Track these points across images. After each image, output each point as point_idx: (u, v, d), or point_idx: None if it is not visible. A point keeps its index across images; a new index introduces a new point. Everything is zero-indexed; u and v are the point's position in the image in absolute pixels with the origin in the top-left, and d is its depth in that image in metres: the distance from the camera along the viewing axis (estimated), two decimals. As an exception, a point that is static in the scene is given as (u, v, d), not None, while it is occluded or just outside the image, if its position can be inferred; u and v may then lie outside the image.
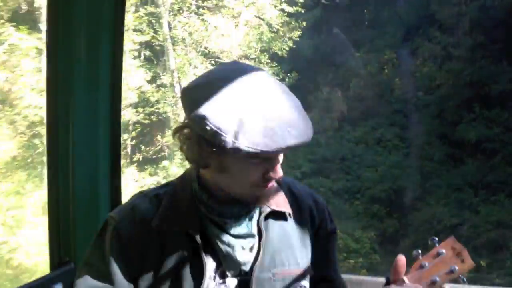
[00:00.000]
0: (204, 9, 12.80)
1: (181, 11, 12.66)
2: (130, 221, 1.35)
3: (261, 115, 1.19)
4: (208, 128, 1.19)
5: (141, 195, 1.42)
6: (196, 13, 12.69)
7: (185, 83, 12.60)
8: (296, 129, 1.22)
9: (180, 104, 13.99)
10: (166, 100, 12.92)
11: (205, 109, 1.20)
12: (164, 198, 1.38)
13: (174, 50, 12.47)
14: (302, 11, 15.06)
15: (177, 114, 12.58)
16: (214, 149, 1.23)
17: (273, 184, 1.32)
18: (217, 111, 1.19)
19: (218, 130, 1.18)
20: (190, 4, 12.71)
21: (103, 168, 2.01)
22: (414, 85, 18.78)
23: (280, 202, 1.42)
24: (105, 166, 2.00)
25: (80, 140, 1.94)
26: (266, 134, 1.18)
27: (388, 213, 14.57)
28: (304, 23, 15.44)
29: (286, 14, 14.49)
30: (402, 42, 19.59)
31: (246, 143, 1.17)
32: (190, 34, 12.40)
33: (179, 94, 12.78)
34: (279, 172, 1.29)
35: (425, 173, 15.19)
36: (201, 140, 1.24)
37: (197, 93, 1.24)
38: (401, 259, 1.25)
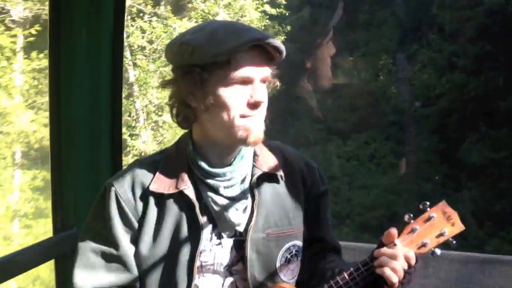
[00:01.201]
0: (168, 12, 11.05)
1: (141, 15, 10.90)
2: (128, 186, 1.41)
3: (230, 27, 1.34)
4: (186, 47, 1.31)
5: (138, 162, 1.49)
6: (159, 17, 10.92)
7: (146, 97, 10.97)
8: (265, 34, 1.35)
9: (141, 123, 12.81)
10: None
11: (184, 38, 1.34)
12: (160, 163, 1.44)
13: (133, 60, 10.73)
14: (287, 14, 13.40)
15: (138, 136, 10.82)
16: (196, 79, 1.32)
17: (261, 116, 1.37)
18: (194, 36, 1.32)
19: (196, 46, 1.30)
20: (153, 6, 10.92)
21: (104, 136, 2.07)
22: (411, 94, 17.39)
23: (272, 165, 1.46)
24: (106, 134, 2.08)
25: (81, 111, 2.02)
26: (236, 37, 1.29)
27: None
28: (289, 27, 13.81)
29: (268, 17, 12.81)
30: (399, 46, 18.16)
31: (219, 47, 1.28)
32: (150, 43, 10.65)
33: (140, 111, 11.17)
34: (262, 95, 1.35)
35: (423, 197, 13.56)
36: (183, 76, 1.34)
37: (178, 36, 1.41)
38: (393, 229, 1.30)
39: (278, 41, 1.33)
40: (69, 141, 2.00)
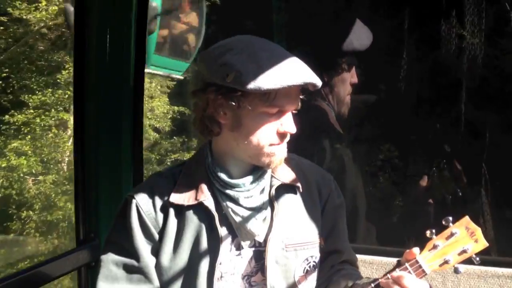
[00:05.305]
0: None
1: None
2: (149, 199, 1.46)
3: (274, 60, 1.34)
4: (229, 70, 1.33)
5: (158, 174, 1.56)
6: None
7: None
8: (306, 71, 1.38)
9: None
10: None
11: (225, 58, 1.35)
12: (180, 175, 1.50)
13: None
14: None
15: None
16: (233, 103, 1.36)
17: (286, 143, 1.44)
18: (237, 58, 1.34)
19: (240, 72, 1.32)
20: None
21: (125, 149, 2.16)
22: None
23: (289, 176, 1.52)
24: (128, 147, 2.16)
25: (104, 125, 2.13)
26: (282, 74, 1.33)
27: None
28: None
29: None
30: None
31: (266, 82, 1.31)
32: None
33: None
34: (293, 126, 1.41)
35: None
36: (219, 96, 1.36)
37: (216, 51, 1.40)
38: (415, 248, 1.31)
39: (317, 78, 1.37)
40: (93, 154, 2.08)
